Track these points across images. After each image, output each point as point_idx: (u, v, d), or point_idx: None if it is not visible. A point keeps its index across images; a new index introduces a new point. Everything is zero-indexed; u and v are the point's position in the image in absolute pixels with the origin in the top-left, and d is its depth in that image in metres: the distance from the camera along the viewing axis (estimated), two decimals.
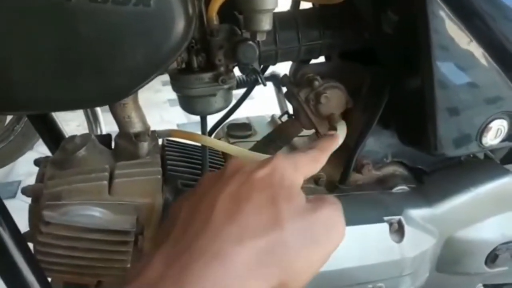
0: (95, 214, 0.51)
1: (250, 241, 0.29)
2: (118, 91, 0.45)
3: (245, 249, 0.29)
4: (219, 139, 0.76)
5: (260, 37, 0.48)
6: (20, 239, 0.47)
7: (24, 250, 0.47)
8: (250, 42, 0.51)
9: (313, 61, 0.66)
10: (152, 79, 0.45)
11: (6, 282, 0.46)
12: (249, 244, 0.29)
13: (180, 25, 0.42)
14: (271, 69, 0.85)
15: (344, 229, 0.34)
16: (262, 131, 0.77)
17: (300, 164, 0.37)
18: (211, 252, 0.29)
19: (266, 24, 0.46)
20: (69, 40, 0.39)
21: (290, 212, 0.31)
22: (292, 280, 0.31)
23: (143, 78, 0.44)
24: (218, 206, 0.31)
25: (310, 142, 0.42)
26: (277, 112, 1.22)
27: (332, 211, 0.34)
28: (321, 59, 0.68)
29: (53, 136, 0.68)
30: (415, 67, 0.53)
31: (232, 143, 0.74)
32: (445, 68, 0.51)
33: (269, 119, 0.82)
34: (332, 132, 0.46)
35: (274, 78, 0.91)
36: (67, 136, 0.69)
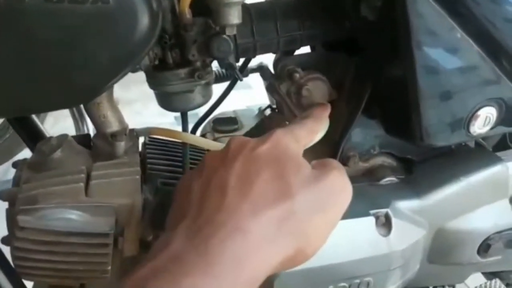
0: (72, 217, 0.50)
1: (264, 214, 0.31)
2: (84, 93, 0.43)
3: (261, 222, 0.31)
4: (205, 134, 0.74)
5: (230, 32, 0.46)
6: None
7: None
8: (224, 36, 0.49)
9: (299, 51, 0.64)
10: (121, 77, 0.44)
11: None
12: (263, 217, 0.31)
13: (143, 21, 0.40)
14: (258, 59, 0.83)
15: (351, 190, 0.36)
16: (249, 124, 0.75)
17: (299, 136, 0.38)
18: (230, 225, 0.30)
19: (234, 17, 0.44)
20: (26, 43, 0.37)
21: (298, 183, 0.33)
22: (308, 246, 0.33)
23: (110, 77, 0.43)
24: (230, 185, 0.32)
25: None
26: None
27: (337, 175, 0.35)
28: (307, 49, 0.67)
29: (33, 137, 0.66)
30: (397, 54, 0.51)
31: (218, 138, 0.73)
32: (426, 54, 0.49)
33: (256, 112, 0.80)
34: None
35: (261, 69, 0.88)
36: (48, 136, 0.68)
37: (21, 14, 0.35)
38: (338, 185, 0.36)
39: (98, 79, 0.42)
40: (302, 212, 0.32)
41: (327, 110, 0.45)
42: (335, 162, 0.37)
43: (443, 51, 0.50)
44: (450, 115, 0.53)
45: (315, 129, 0.42)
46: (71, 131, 1.40)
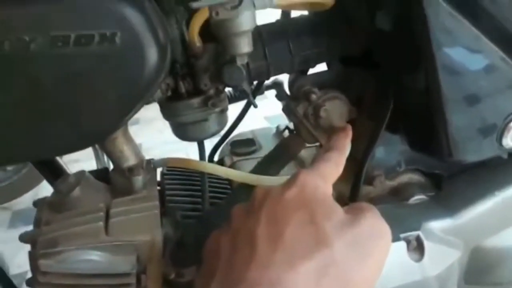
0: (94, 258, 0.49)
1: (301, 264, 0.28)
2: (98, 133, 0.42)
3: (299, 274, 0.28)
4: (223, 157, 0.73)
5: (241, 61, 0.45)
6: None
7: None
8: (236, 63, 0.47)
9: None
10: (134, 113, 0.43)
11: None
12: (301, 268, 0.28)
13: (152, 56, 0.39)
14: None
15: (389, 233, 0.33)
16: (267, 145, 0.74)
17: (326, 174, 0.36)
18: (266, 281, 0.27)
19: (245, 46, 0.43)
20: (35, 89, 0.36)
21: (332, 229, 0.30)
22: None
23: (122, 116, 0.42)
24: (259, 235, 0.30)
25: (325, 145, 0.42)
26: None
27: (372, 218, 0.33)
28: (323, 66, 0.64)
29: (53, 173, 0.66)
30: (418, 64, 0.49)
31: (236, 161, 0.71)
32: (448, 57, 0.46)
33: (274, 131, 0.78)
34: (343, 125, 0.44)
35: (277, 86, 0.86)
36: (68, 172, 0.68)
37: (27, 61, 0.35)
38: (376, 228, 0.33)
39: (110, 119, 0.41)
40: (343, 261, 0.29)
41: (349, 136, 0.43)
42: (367, 205, 0.35)
43: (464, 56, 0.47)
44: (479, 126, 0.50)
45: (341, 161, 0.39)
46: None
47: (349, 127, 0.44)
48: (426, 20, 0.42)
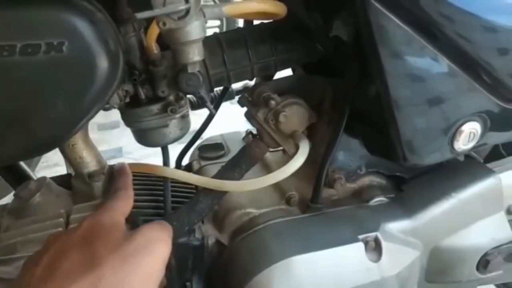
0: None
1: (72, 286, 0.31)
2: (49, 142, 0.42)
3: None
4: (192, 162, 0.73)
5: (192, 69, 0.45)
6: None
7: None
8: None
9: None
10: (88, 120, 0.43)
11: None
12: None
13: (102, 65, 0.39)
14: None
15: (167, 240, 0.37)
16: (236, 149, 0.74)
17: (114, 207, 0.40)
18: None
19: (194, 55, 0.43)
20: None
21: (106, 248, 0.34)
22: None
23: (74, 124, 0.42)
24: (36, 275, 0.33)
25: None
26: None
27: (150, 228, 0.37)
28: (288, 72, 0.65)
29: (18, 179, 0.66)
30: (370, 73, 0.49)
31: (204, 166, 0.72)
32: (398, 73, 0.47)
33: (243, 135, 0.79)
34: (119, 164, 0.51)
35: (247, 90, 0.87)
36: (33, 177, 0.68)
37: None
38: (151, 236, 0.36)
39: (62, 127, 0.42)
40: (112, 275, 0.32)
41: (129, 174, 0.49)
42: (159, 222, 0.39)
43: (412, 64, 0.47)
44: (431, 131, 0.51)
45: (130, 195, 0.44)
46: None
47: (126, 167, 0.50)
48: (371, 30, 0.43)
